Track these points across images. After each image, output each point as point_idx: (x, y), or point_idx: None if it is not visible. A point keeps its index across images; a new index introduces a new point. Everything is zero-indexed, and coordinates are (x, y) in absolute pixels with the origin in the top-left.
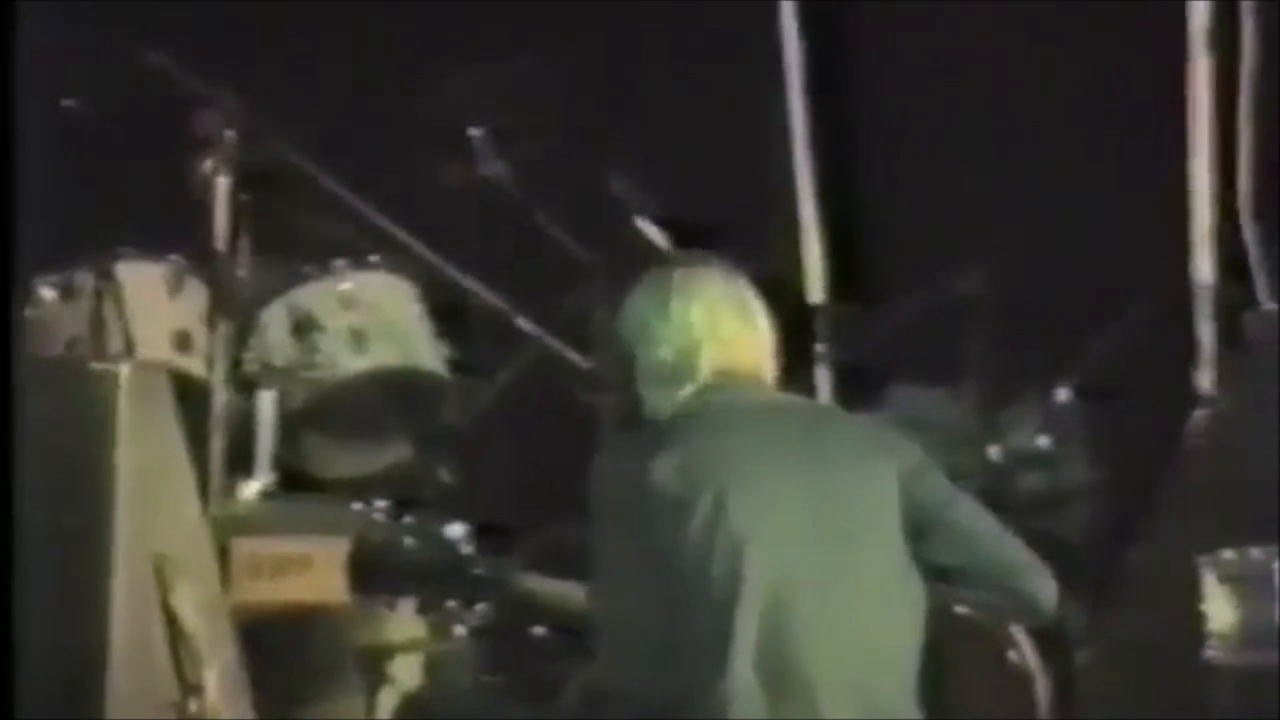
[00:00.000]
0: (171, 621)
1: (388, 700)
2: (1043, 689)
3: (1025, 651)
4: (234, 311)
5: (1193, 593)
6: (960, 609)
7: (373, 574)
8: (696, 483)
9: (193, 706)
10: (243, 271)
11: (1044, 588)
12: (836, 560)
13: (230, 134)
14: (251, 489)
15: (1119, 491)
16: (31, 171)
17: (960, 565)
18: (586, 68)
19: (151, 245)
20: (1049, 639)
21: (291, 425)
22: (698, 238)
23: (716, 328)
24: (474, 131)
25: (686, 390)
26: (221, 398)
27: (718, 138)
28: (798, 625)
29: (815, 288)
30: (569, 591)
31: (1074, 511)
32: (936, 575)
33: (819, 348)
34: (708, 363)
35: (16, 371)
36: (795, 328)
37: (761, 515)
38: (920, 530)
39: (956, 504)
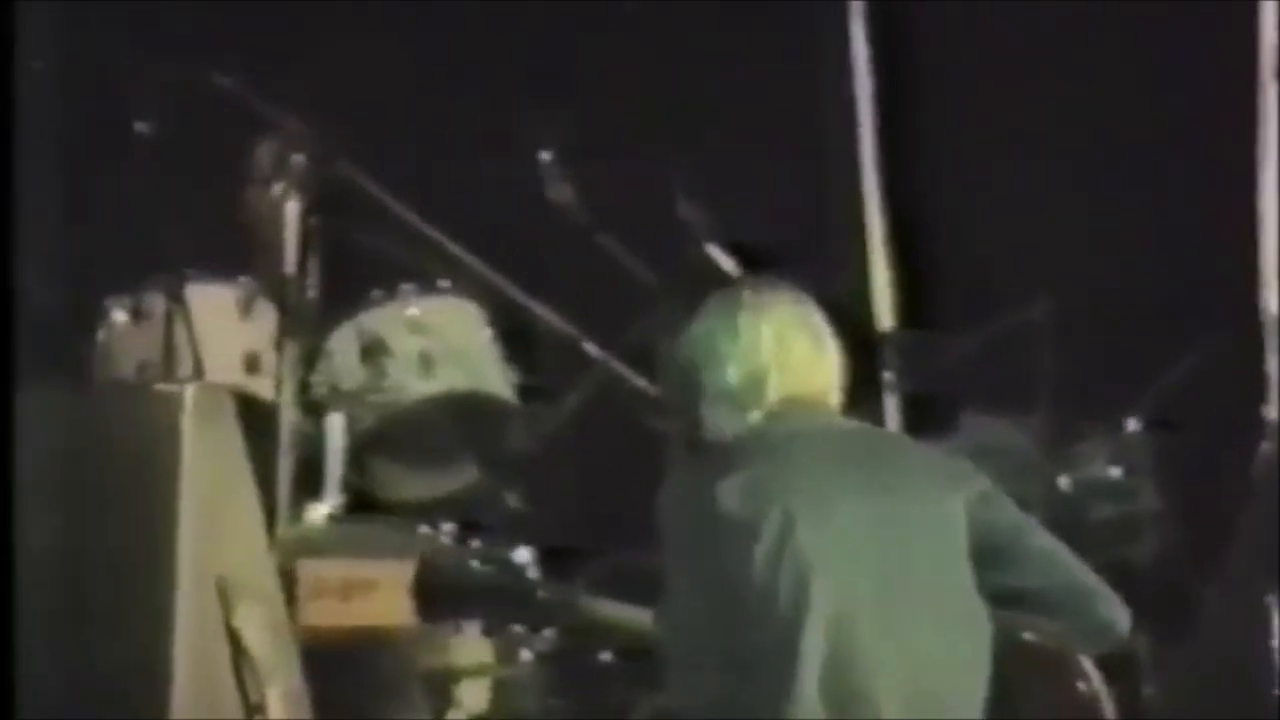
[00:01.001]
0: (235, 642)
1: None
2: None
3: (1094, 682)
4: (303, 334)
5: (1263, 629)
6: (1028, 637)
7: (439, 598)
8: (762, 508)
9: None
10: (312, 294)
11: (1118, 612)
12: (902, 587)
13: (299, 158)
14: (319, 511)
15: (1188, 524)
16: (103, 195)
17: (1038, 589)
18: (653, 92)
19: (221, 268)
20: (1117, 670)
21: (359, 448)
22: (765, 263)
23: (785, 351)
24: (543, 155)
25: (753, 415)
26: (289, 420)
27: (786, 162)
28: (863, 651)
29: (884, 314)
30: (635, 616)
31: (1143, 543)
32: (1010, 600)
33: (887, 375)
34: (775, 388)
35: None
36: (863, 354)
37: (827, 543)
38: (992, 556)
39: (1031, 530)
